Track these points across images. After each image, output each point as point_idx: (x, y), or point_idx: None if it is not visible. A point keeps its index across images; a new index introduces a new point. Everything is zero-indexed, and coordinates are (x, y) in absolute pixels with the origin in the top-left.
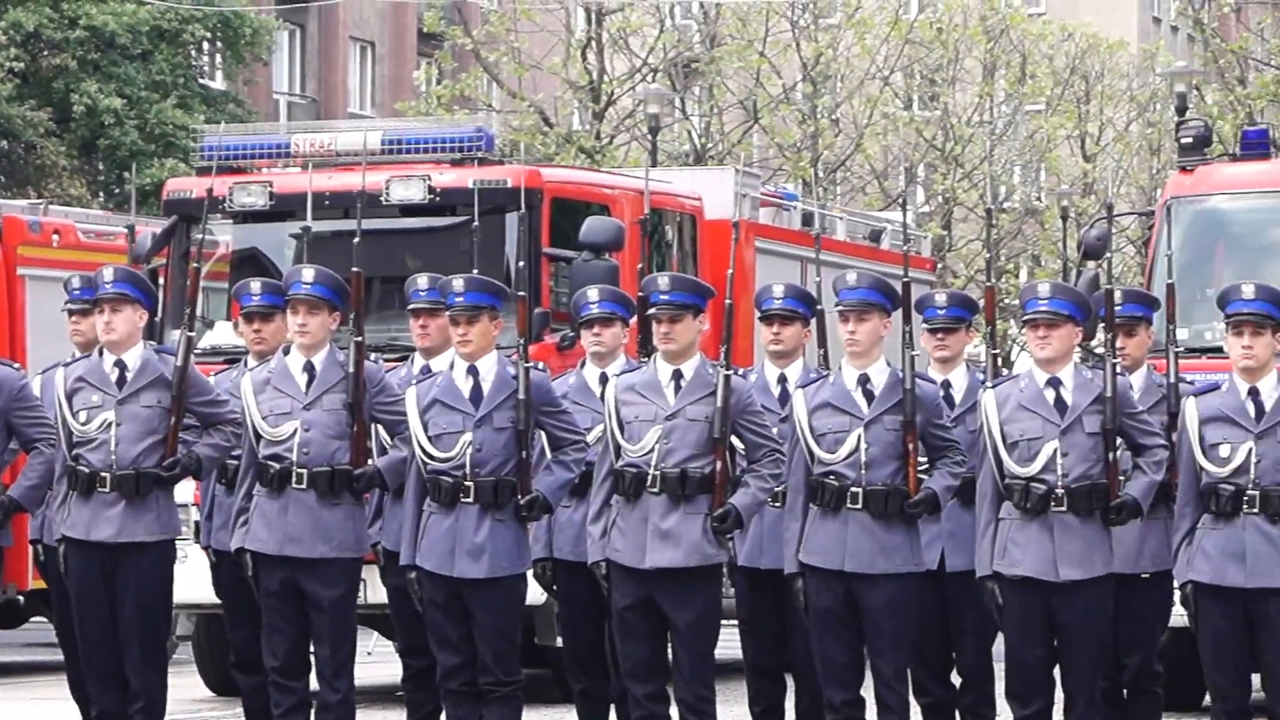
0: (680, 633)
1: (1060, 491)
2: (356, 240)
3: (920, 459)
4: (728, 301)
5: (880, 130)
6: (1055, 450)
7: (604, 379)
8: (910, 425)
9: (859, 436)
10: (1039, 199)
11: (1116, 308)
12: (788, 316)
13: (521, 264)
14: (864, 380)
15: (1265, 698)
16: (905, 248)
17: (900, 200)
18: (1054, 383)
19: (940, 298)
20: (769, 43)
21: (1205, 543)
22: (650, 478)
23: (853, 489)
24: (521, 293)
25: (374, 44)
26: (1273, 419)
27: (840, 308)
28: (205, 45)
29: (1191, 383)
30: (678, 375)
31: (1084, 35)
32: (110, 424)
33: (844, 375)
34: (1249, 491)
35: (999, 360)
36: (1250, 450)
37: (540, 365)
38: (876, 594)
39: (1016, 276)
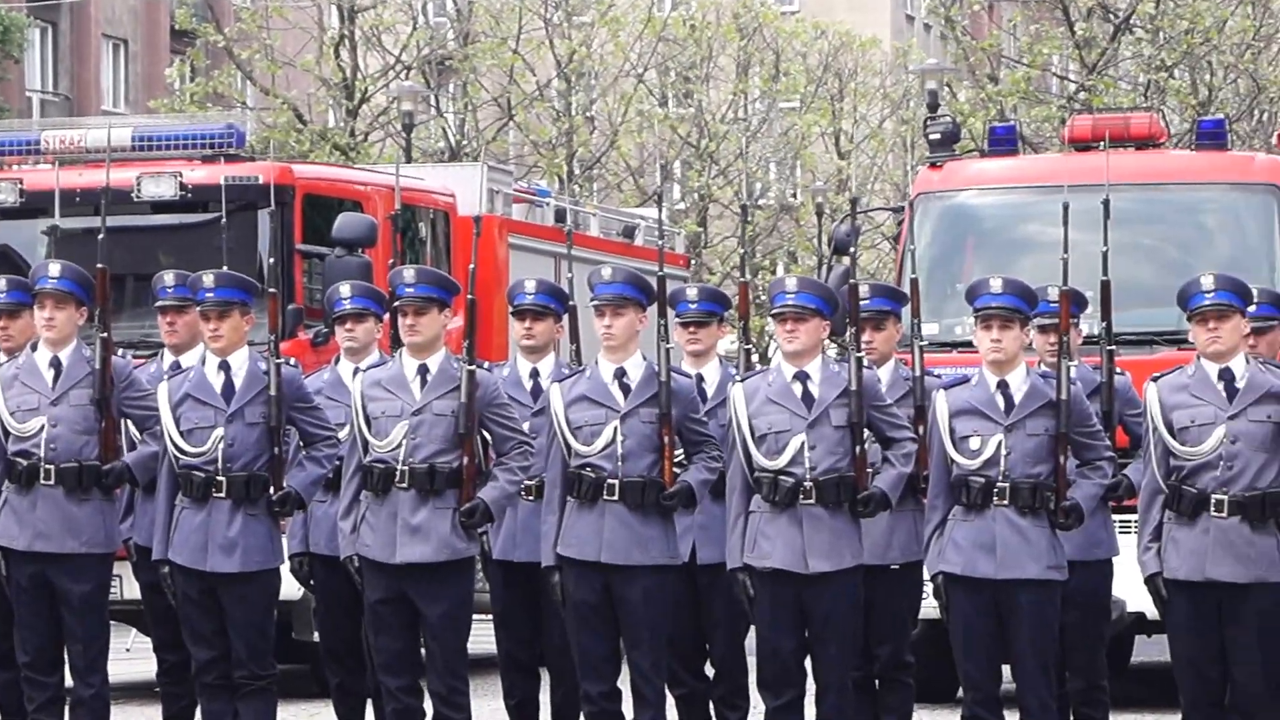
0: (432, 626)
1: (809, 484)
2: (101, 236)
3: (677, 452)
4: (470, 296)
5: (635, 127)
6: (803, 443)
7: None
8: (666, 418)
9: (615, 429)
10: (794, 196)
11: (864, 302)
12: (539, 312)
13: (273, 260)
14: (620, 374)
15: (1015, 688)
16: (660, 243)
17: (655, 197)
18: (801, 376)
19: (691, 292)
20: (523, 40)
21: (956, 534)
22: (399, 473)
23: (609, 481)
24: (273, 289)
25: (126, 41)
26: (1021, 411)
27: (596, 302)
28: None
29: (939, 376)
30: (424, 370)
31: (837, 33)
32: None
33: (600, 369)
34: (999, 484)
35: (751, 355)
36: (1000, 443)
37: (291, 361)
38: (633, 586)
39: (772, 273)
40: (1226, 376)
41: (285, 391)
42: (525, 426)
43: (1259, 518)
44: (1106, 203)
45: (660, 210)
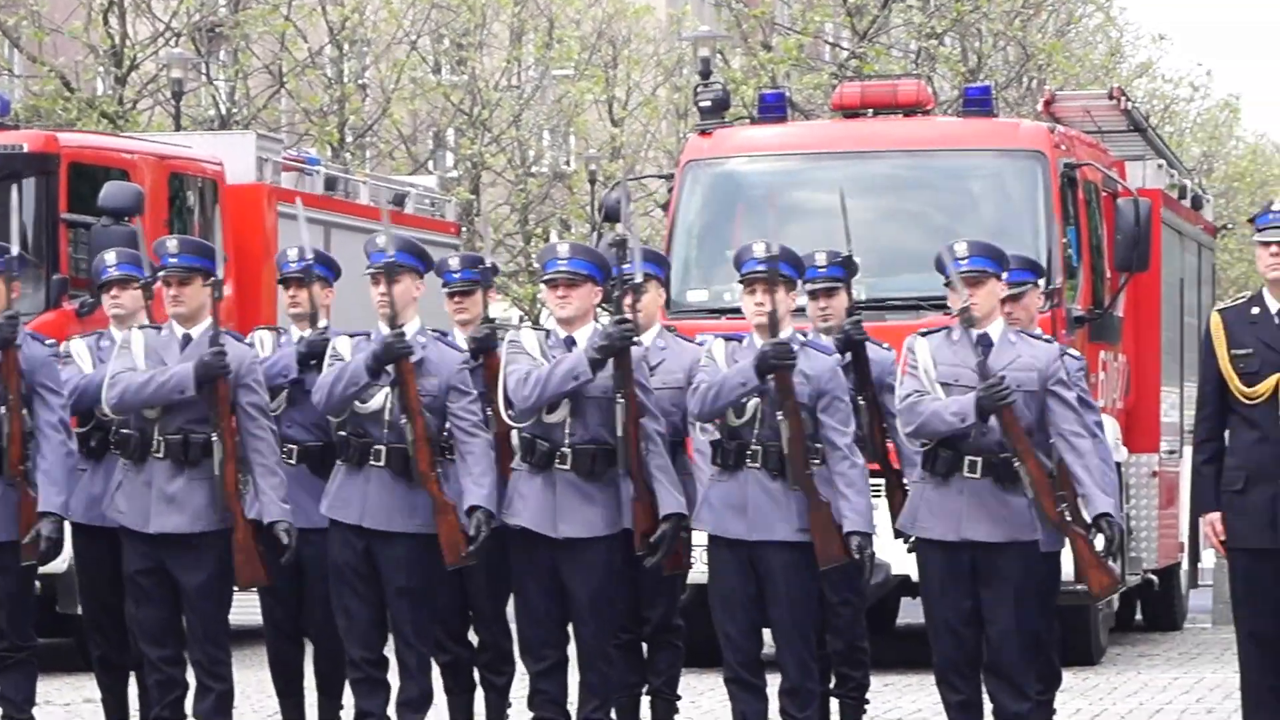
0: (189, 596)
1: (566, 450)
2: None
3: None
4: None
5: (408, 95)
6: (567, 409)
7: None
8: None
9: (386, 394)
10: (567, 163)
11: (626, 266)
12: (305, 280)
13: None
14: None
15: (775, 649)
16: (431, 211)
17: (427, 165)
18: (570, 342)
19: (454, 261)
20: (295, 7)
21: (711, 494)
22: (155, 443)
23: (376, 446)
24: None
25: None
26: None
27: (372, 270)
28: None
29: (701, 344)
30: (186, 340)
31: (611, 0)
32: None
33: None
34: (752, 446)
35: (523, 320)
36: (756, 405)
37: (47, 339)
38: (394, 551)
39: (546, 240)
40: (984, 343)
41: (29, 366)
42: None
43: (1011, 478)
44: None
45: (431, 179)
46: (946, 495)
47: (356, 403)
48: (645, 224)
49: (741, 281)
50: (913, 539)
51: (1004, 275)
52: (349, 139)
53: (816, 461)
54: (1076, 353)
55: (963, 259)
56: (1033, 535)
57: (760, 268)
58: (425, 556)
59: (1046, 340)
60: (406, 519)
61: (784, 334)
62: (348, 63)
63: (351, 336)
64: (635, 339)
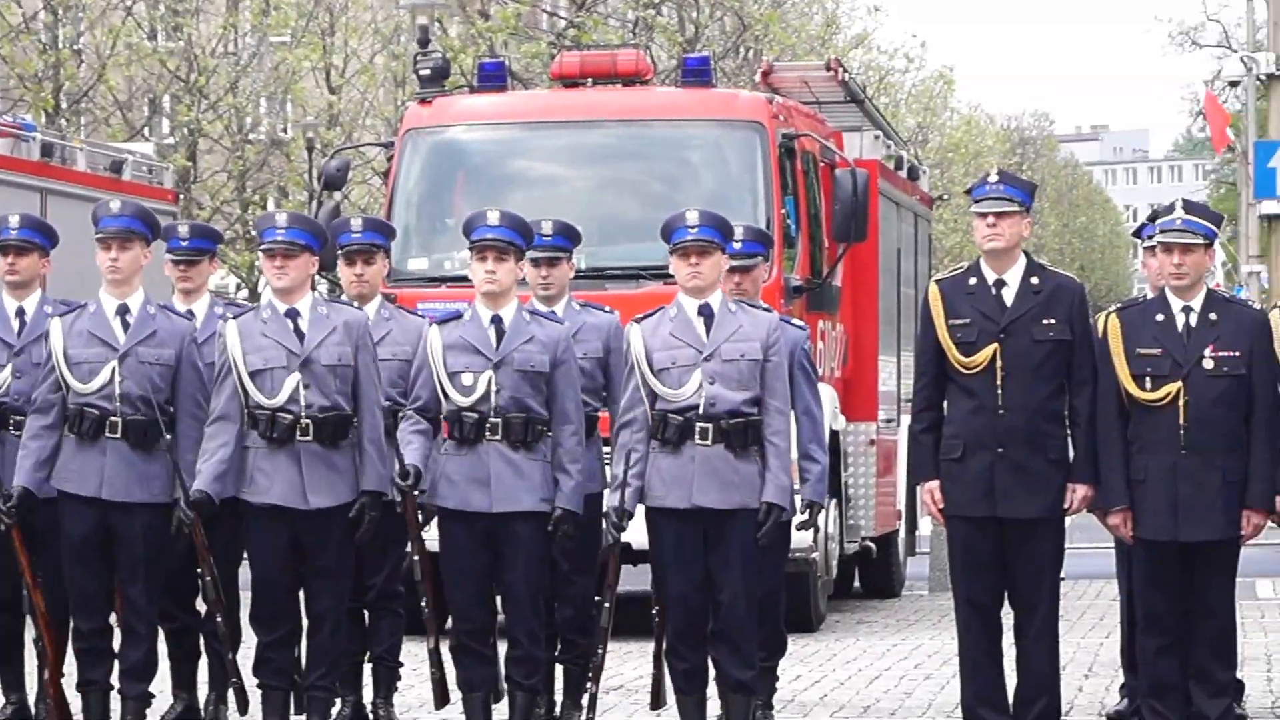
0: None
1: (305, 422)
2: None
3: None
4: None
5: (124, 61)
6: (298, 381)
7: None
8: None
9: (113, 369)
10: (285, 131)
11: (356, 235)
12: (21, 247)
13: None
14: (123, 310)
15: (504, 618)
16: (149, 178)
17: (144, 132)
18: (292, 314)
19: (183, 229)
20: None
21: (449, 468)
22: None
23: (111, 419)
24: None
25: None
26: (508, 348)
27: (101, 235)
28: None
29: (422, 316)
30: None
31: None
32: None
33: (104, 305)
34: (490, 419)
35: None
36: (490, 379)
37: None
38: (131, 522)
39: (264, 208)
40: (705, 313)
41: None
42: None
43: (742, 445)
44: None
45: (147, 145)
46: (678, 463)
47: (77, 383)
48: (364, 192)
49: (472, 249)
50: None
51: (732, 247)
52: (64, 105)
53: (548, 431)
54: (800, 323)
55: (692, 228)
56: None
57: (491, 235)
58: (162, 527)
59: (765, 309)
60: (144, 490)
61: (509, 304)
62: (62, 28)
63: (63, 315)
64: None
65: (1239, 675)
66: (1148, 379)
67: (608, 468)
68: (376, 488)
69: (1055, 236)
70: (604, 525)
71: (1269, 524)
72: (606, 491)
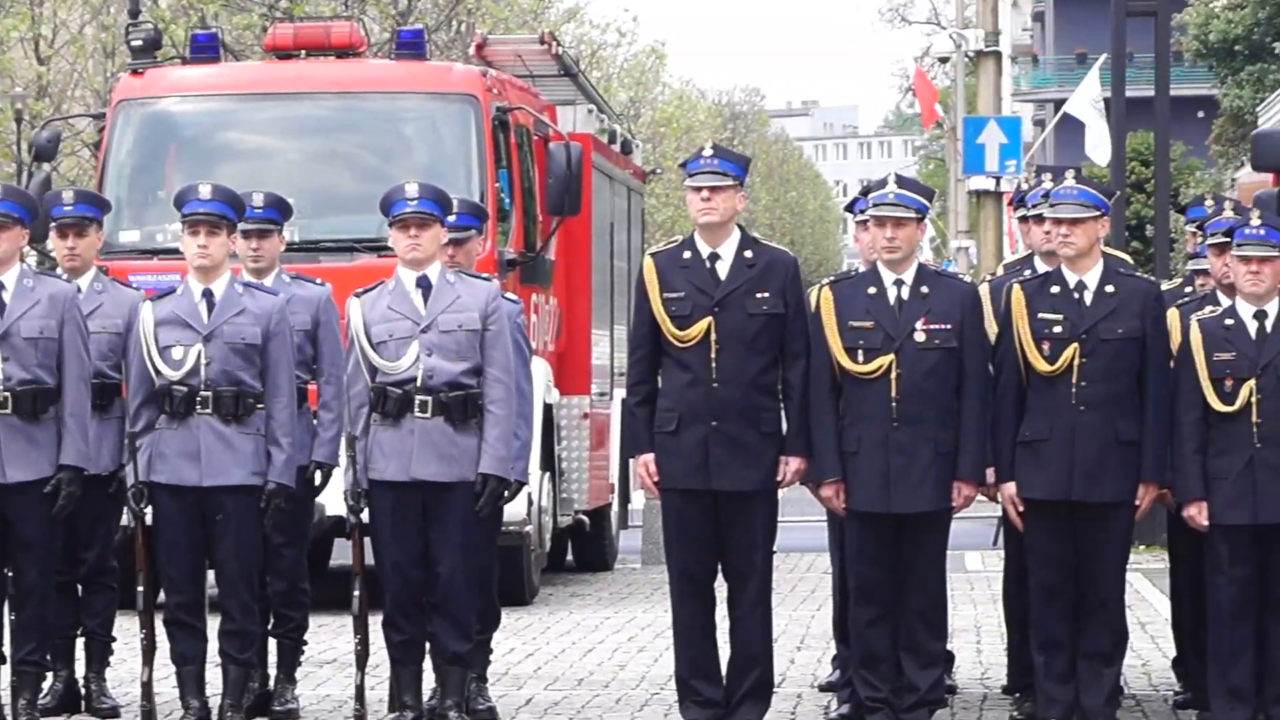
0: None
1: (4, 395)
2: None
3: None
4: None
5: None
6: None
7: None
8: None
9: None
10: None
11: (68, 208)
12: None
13: None
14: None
15: (217, 591)
16: None
17: None
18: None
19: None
20: None
21: (161, 443)
22: None
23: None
24: None
25: None
26: (217, 321)
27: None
28: None
29: (136, 288)
30: None
31: None
32: None
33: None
34: (201, 392)
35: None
36: (200, 352)
37: None
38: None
39: None
40: (424, 285)
41: None
42: None
43: (462, 417)
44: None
45: None
46: (398, 436)
47: None
48: (73, 164)
49: (184, 223)
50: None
51: (449, 220)
52: None
53: (260, 405)
54: (515, 297)
55: (412, 200)
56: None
57: (203, 209)
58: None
59: (485, 279)
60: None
61: (221, 278)
62: None
63: None
64: None
65: (949, 646)
66: (860, 352)
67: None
68: (75, 462)
69: (766, 211)
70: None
71: (979, 496)
72: (338, 471)
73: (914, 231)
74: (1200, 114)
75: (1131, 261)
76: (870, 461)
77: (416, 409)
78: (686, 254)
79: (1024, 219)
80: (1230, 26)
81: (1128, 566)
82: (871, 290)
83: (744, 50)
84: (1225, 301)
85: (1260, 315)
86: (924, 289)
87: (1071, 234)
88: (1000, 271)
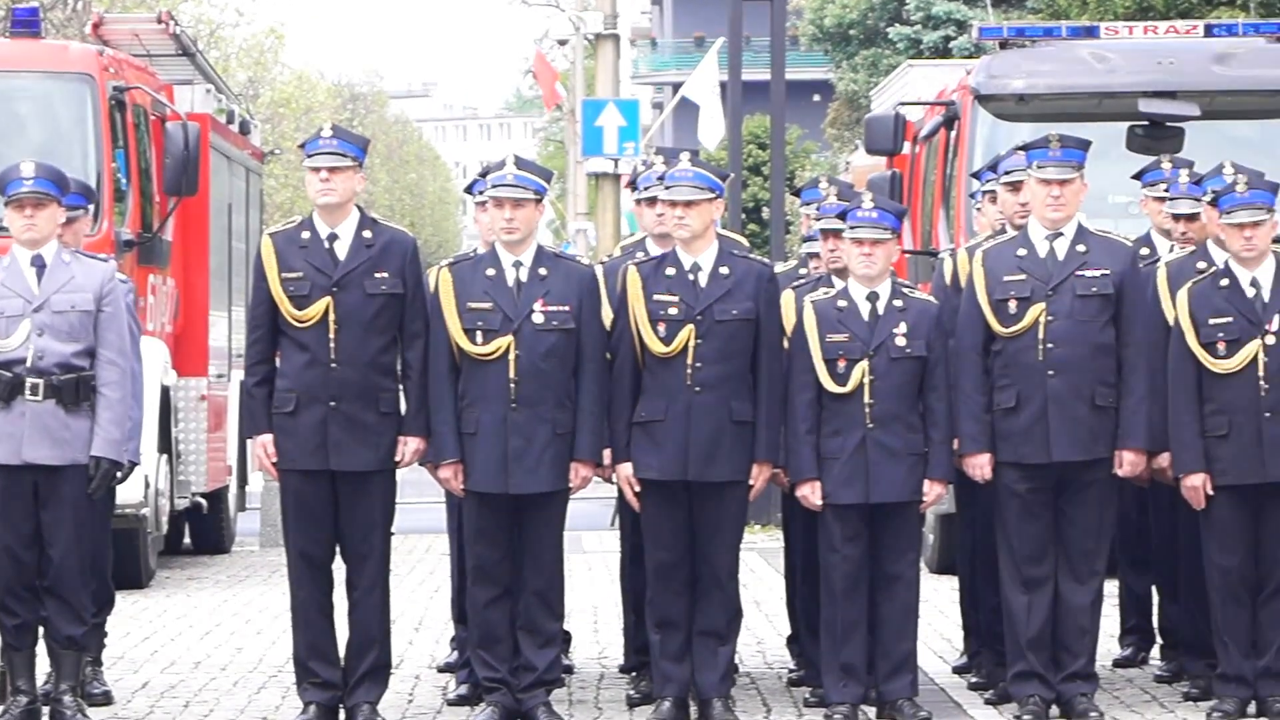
0: None
1: None
2: None
3: None
4: None
5: None
6: None
7: None
8: None
9: None
10: None
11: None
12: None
13: None
14: None
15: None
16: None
17: None
18: None
19: None
20: None
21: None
22: None
23: None
24: None
25: None
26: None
27: None
28: None
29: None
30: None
31: None
32: None
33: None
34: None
35: None
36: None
37: None
38: None
39: None
40: (38, 264)
41: None
42: None
43: (74, 400)
44: None
45: None
46: (8, 418)
47: None
48: None
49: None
50: None
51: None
52: None
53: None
54: (124, 276)
55: (28, 179)
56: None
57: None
58: None
59: (102, 259)
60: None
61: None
62: None
63: None
64: None
65: (566, 626)
66: (478, 333)
67: None
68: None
69: (386, 193)
70: None
71: (595, 477)
72: None
73: (533, 213)
74: (816, 98)
75: (747, 244)
76: (489, 442)
77: (28, 392)
78: (305, 234)
79: (639, 201)
80: (845, 11)
81: (742, 545)
82: (490, 272)
83: (365, 31)
84: (839, 284)
85: (873, 297)
86: (542, 271)
87: (686, 216)
88: (617, 253)
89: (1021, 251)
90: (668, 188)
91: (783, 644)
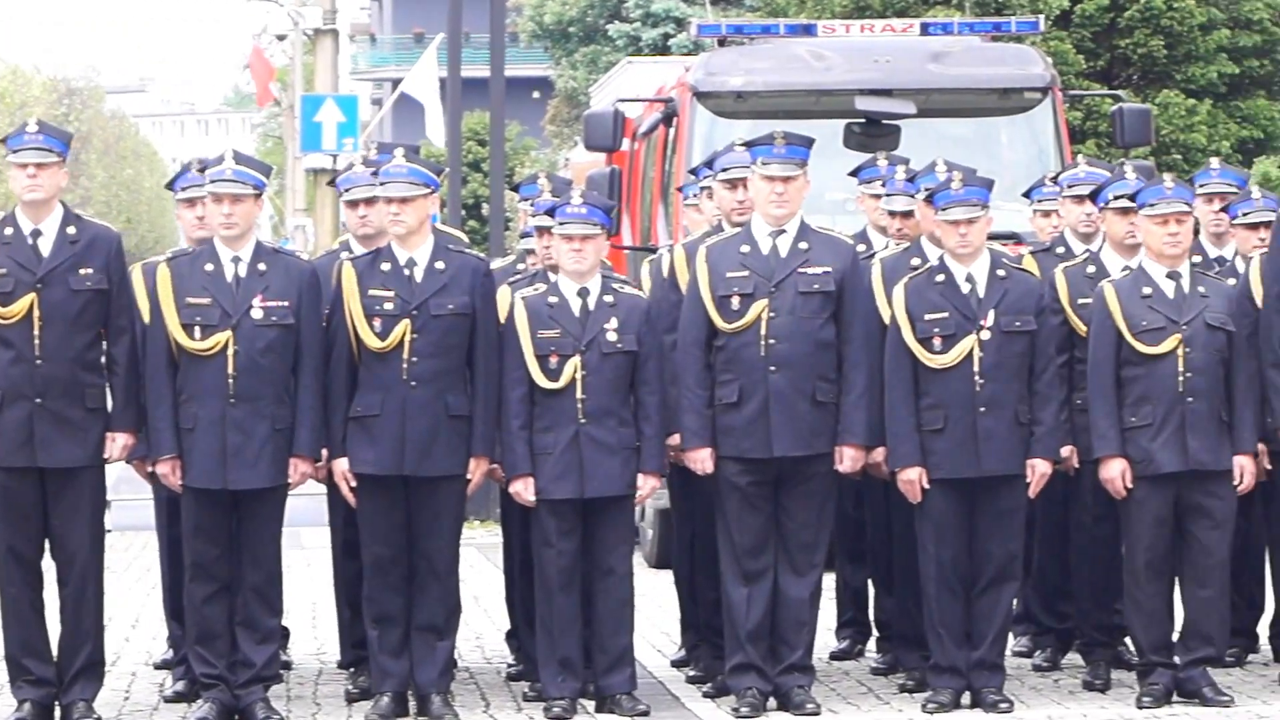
0: None
1: None
2: None
3: None
4: None
5: None
6: None
7: None
8: None
9: None
10: None
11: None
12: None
13: None
14: None
15: None
16: None
17: None
18: None
19: None
20: None
21: None
22: None
23: None
24: None
25: None
26: None
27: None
28: None
29: None
30: None
31: None
32: None
33: None
34: None
35: None
36: None
37: None
38: None
39: None
40: None
41: None
42: None
43: None
44: None
45: None
46: None
47: None
48: None
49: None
50: None
51: None
52: None
53: None
54: None
55: None
56: None
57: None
58: None
59: None
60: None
61: None
62: None
63: None
64: None
65: (284, 622)
66: (197, 328)
67: None
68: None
69: (103, 189)
70: None
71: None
72: None
73: (251, 208)
74: (536, 94)
75: (466, 240)
76: (206, 438)
77: None
78: (8, 230)
79: (351, 203)
80: (565, 9)
81: (461, 540)
82: (209, 267)
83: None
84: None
85: (583, 293)
86: (261, 266)
87: (401, 212)
88: (336, 247)
89: (745, 248)
90: (383, 184)
91: (501, 639)
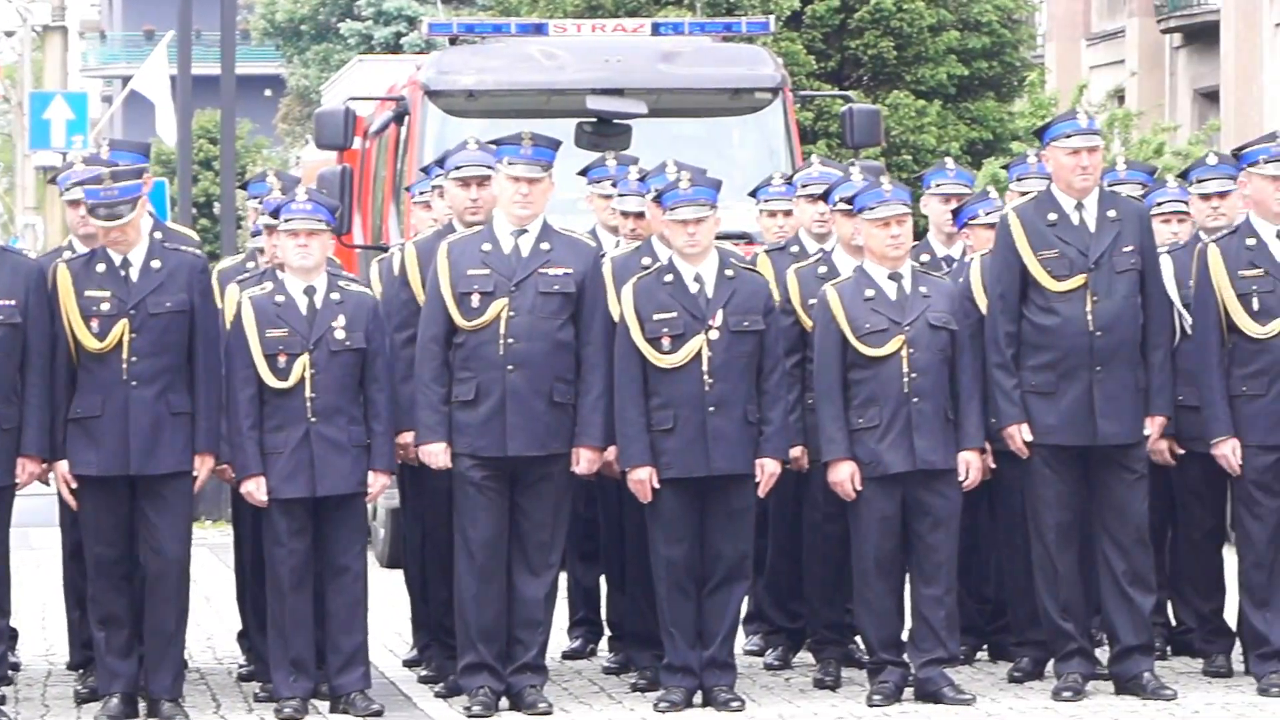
0: None
1: None
2: None
3: None
4: None
5: None
6: None
7: None
8: None
9: None
10: None
11: None
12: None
13: None
14: None
15: None
16: None
17: None
18: None
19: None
20: None
21: None
22: None
23: None
24: None
25: None
26: None
27: None
28: None
29: None
30: None
31: None
32: None
33: None
34: None
35: None
36: None
37: None
38: None
39: None
40: None
41: None
42: None
43: None
44: None
45: None
46: None
47: None
48: None
49: None
50: None
51: None
52: None
53: None
54: None
55: None
56: None
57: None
58: None
59: None
60: None
61: None
62: None
63: None
64: None
65: (13, 623)
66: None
67: None
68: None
69: None
70: None
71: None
72: None
73: None
74: (268, 92)
75: (196, 238)
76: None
77: None
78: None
79: (72, 203)
80: (296, 6)
81: (192, 540)
82: None
83: None
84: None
85: (310, 290)
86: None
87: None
88: (65, 245)
89: (486, 246)
90: (76, 184)
91: (233, 639)
